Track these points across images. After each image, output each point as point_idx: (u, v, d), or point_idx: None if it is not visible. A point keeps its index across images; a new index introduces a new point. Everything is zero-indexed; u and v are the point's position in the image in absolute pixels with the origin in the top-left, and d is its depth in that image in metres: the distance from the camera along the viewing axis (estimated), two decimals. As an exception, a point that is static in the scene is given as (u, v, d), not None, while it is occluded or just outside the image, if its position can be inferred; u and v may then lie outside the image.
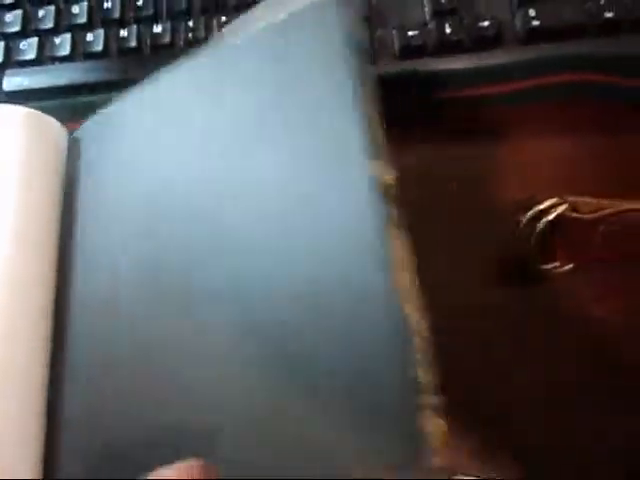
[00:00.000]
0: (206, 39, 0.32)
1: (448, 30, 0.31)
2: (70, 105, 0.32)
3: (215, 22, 0.32)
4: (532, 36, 0.31)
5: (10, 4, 0.33)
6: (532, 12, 0.31)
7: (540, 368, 0.28)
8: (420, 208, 0.31)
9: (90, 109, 0.32)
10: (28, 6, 0.33)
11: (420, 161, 0.32)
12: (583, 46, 0.30)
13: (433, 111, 0.32)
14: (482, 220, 0.31)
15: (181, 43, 0.32)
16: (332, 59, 0.21)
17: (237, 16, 0.32)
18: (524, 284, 0.29)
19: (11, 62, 0.32)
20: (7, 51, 0.33)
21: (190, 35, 0.32)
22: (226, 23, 0.32)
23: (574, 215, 0.25)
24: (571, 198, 0.25)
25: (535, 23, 0.30)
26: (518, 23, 0.31)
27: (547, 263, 0.28)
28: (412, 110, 0.32)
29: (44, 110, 0.32)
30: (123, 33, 0.32)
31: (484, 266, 0.30)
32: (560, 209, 0.25)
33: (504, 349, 0.29)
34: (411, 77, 0.31)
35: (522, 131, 0.32)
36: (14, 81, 0.32)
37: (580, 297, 0.29)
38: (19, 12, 0.33)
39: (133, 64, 0.32)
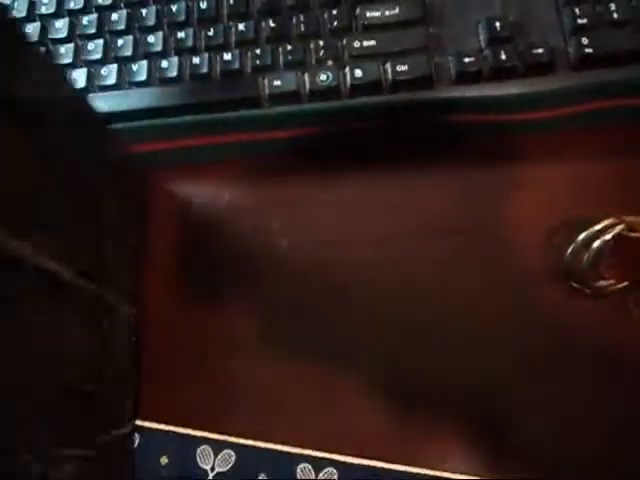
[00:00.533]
0: (271, 66, 0.34)
1: (503, 57, 0.32)
2: (146, 127, 0.35)
3: (280, 49, 0.34)
4: (585, 62, 0.32)
5: (92, 34, 0.36)
6: (585, 40, 0.32)
7: (592, 384, 0.29)
8: (470, 226, 0.33)
9: (164, 131, 0.35)
10: (108, 36, 0.36)
11: (465, 182, 0.34)
12: (636, 72, 0.31)
13: (478, 135, 0.34)
14: (531, 238, 0.32)
15: (248, 70, 0.34)
16: None
17: (300, 45, 0.34)
18: (577, 300, 0.30)
19: (93, 87, 0.35)
20: (89, 77, 0.35)
21: (257, 62, 0.34)
22: (291, 51, 0.34)
23: (632, 235, 0.26)
24: (628, 218, 0.26)
25: (588, 50, 0.32)
26: (571, 50, 0.32)
27: (600, 280, 0.29)
28: (463, 133, 0.34)
29: (122, 132, 0.34)
30: (195, 60, 0.35)
31: (537, 284, 0.31)
32: (618, 229, 0.26)
33: (555, 364, 0.29)
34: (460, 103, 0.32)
35: (573, 153, 0.34)
36: (96, 104, 0.35)
37: (633, 314, 0.29)
38: (100, 41, 0.36)
39: (203, 89, 0.35)
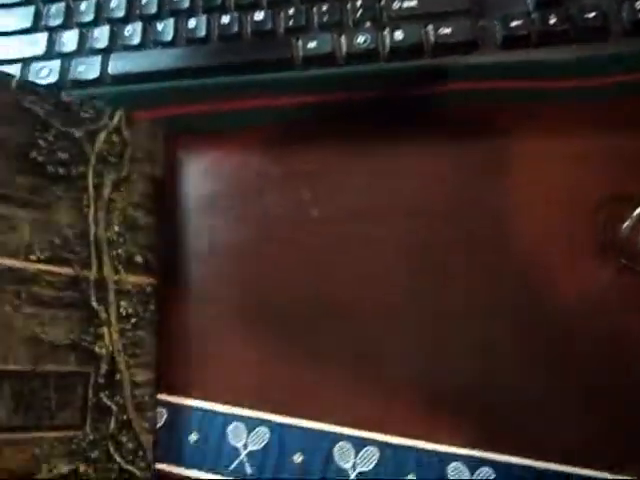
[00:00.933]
0: (305, 27, 0.32)
1: (553, 20, 0.30)
2: (172, 89, 0.33)
3: (315, 10, 0.32)
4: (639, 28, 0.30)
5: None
6: (639, 4, 0.30)
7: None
8: (509, 198, 0.31)
9: (191, 93, 0.33)
10: (132, -7, 0.34)
11: (502, 153, 0.32)
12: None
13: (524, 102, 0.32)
14: (570, 213, 0.30)
15: (281, 30, 0.33)
16: None
17: (337, 4, 0.32)
18: (626, 277, 0.28)
19: (117, 47, 0.33)
20: (112, 36, 0.34)
21: (291, 22, 0.32)
22: (326, 12, 0.32)
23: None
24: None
25: (643, 15, 0.30)
26: (625, 15, 0.30)
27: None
28: (507, 100, 0.32)
29: (147, 94, 0.33)
30: (224, 20, 0.33)
31: (584, 260, 0.30)
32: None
33: (602, 345, 0.28)
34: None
35: (617, 124, 0.32)
36: (119, 65, 0.33)
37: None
38: (124, -1, 0.34)
39: (232, 50, 0.33)
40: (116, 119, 0.31)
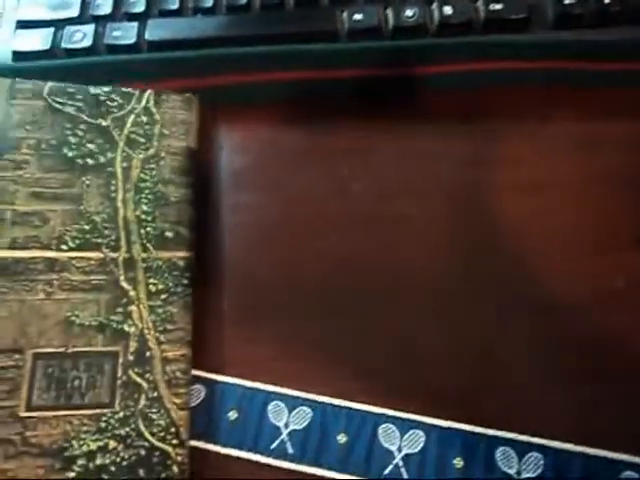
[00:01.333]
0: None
1: (607, 0, 0.30)
2: (209, 57, 0.32)
3: (360, -18, 0.32)
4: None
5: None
6: (697, -14, 0.29)
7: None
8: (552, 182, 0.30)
9: (229, 62, 0.32)
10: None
11: (545, 137, 0.31)
12: None
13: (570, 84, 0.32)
14: (610, 198, 0.30)
15: (325, 1, 0.32)
16: None
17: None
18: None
19: (153, 12, 0.32)
20: (149, 1, 0.32)
21: (335, -6, 0.31)
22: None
23: None
24: None
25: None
26: (682, -3, 0.30)
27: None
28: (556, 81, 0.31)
29: (183, 62, 0.32)
30: (266, -11, 0.32)
31: (627, 252, 0.29)
32: None
33: None
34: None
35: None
36: (156, 31, 0.32)
37: None
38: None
39: (274, 20, 0.32)
40: (144, 100, 0.31)
